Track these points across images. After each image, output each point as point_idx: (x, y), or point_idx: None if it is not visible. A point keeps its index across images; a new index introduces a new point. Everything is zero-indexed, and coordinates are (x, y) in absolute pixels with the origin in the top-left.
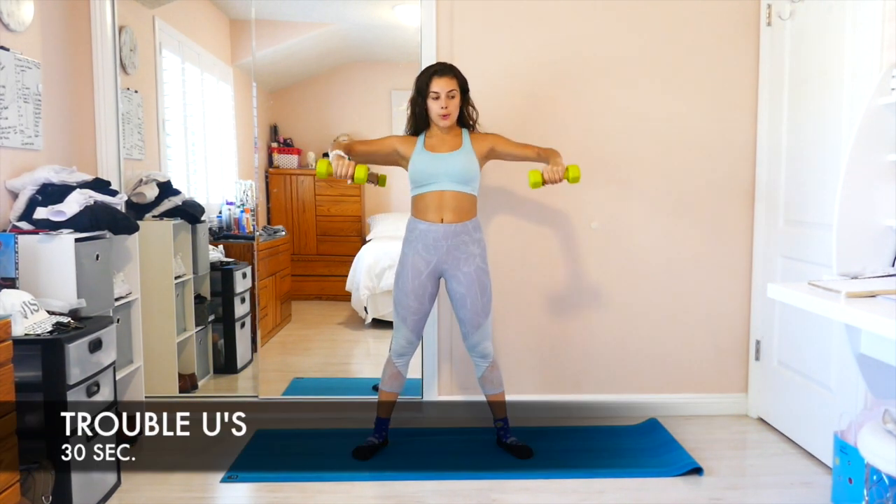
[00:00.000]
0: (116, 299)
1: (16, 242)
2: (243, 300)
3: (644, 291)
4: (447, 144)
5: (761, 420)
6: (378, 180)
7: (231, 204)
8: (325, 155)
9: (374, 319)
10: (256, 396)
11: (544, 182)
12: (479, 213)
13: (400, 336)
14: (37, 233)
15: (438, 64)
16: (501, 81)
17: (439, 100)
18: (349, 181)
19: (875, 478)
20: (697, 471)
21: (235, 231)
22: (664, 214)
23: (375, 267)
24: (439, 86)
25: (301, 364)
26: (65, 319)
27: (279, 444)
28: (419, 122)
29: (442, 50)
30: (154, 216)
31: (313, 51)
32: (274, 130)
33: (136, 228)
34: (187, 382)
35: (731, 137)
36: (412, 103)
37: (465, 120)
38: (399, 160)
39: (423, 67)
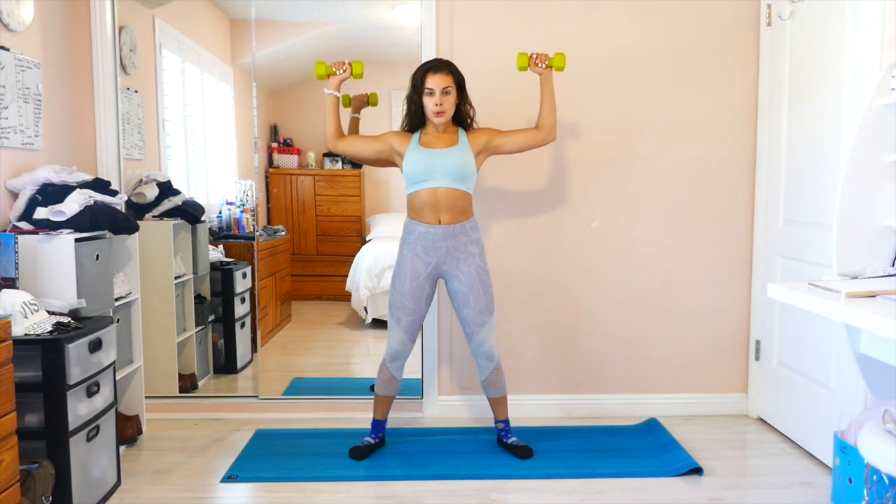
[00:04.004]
0: (116, 299)
1: (16, 242)
2: (243, 300)
3: (644, 291)
4: (443, 141)
5: (761, 420)
6: (369, 98)
7: (231, 204)
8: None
9: (374, 319)
10: (256, 396)
11: (530, 62)
12: (479, 213)
13: (393, 338)
14: (37, 233)
15: (434, 60)
16: (501, 81)
17: (434, 96)
18: (345, 69)
19: (875, 478)
20: (697, 471)
21: (235, 231)
22: (664, 214)
23: (375, 267)
24: (434, 82)
25: (301, 364)
26: (65, 319)
27: (279, 444)
28: (415, 119)
29: (442, 50)
30: (154, 216)
31: (313, 51)
32: (274, 130)
33: (136, 228)
34: (187, 382)
35: (731, 137)
36: (408, 100)
37: (462, 118)
38: (394, 156)
39: None
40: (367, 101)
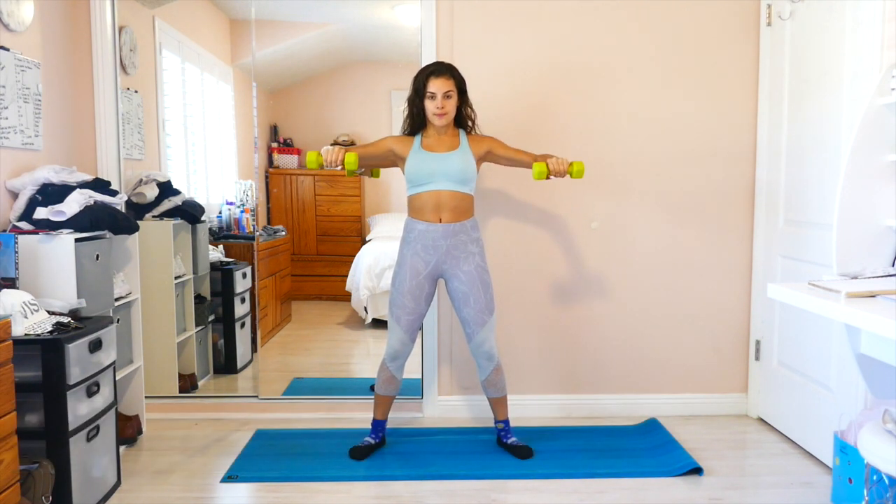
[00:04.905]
0: (116, 299)
1: (16, 242)
2: (243, 300)
3: (644, 291)
4: (444, 144)
5: (761, 420)
6: (372, 172)
7: (231, 204)
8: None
9: (374, 319)
10: (256, 396)
11: (549, 173)
12: (479, 214)
13: (394, 338)
14: (37, 233)
15: (435, 63)
16: (501, 81)
17: (435, 99)
18: (339, 167)
19: (875, 478)
20: (697, 471)
21: (235, 231)
22: (664, 214)
23: (375, 267)
24: (436, 86)
25: (301, 364)
26: (65, 319)
27: (279, 444)
28: (416, 121)
29: (442, 50)
30: (154, 216)
31: (313, 51)
32: (274, 130)
33: (136, 228)
34: (187, 382)
35: (731, 137)
36: (409, 103)
37: (463, 121)
38: (395, 160)
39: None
40: (370, 172)
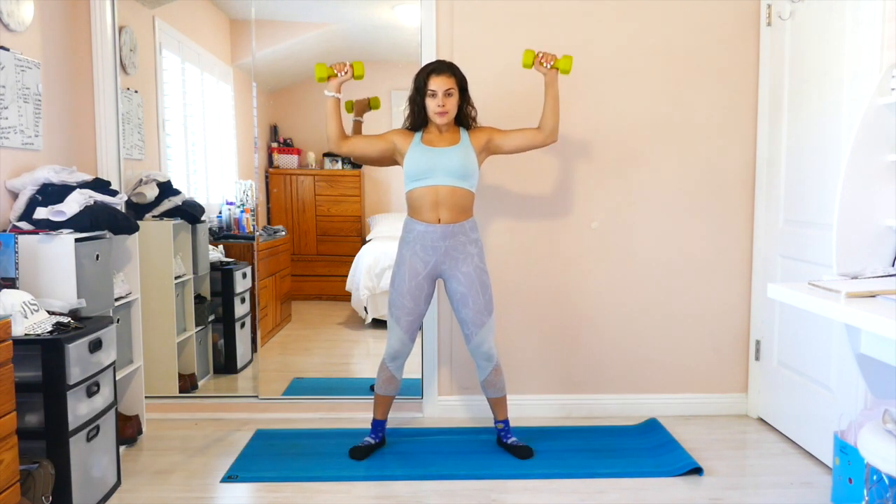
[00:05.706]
0: (116, 299)
1: (16, 242)
2: (243, 300)
3: (644, 291)
4: (445, 140)
5: (761, 420)
6: (371, 102)
7: (231, 204)
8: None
9: (374, 319)
10: (256, 396)
11: (535, 60)
12: (479, 212)
13: (393, 338)
14: (37, 233)
15: (436, 62)
16: (501, 81)
17: (436, 97)
18: (347, 72)
19: (875, 478)
20: (697, 471)
21: (235, 231)
22: (664, 214)
23: (375, 267)
24: (436, 84)
25: (301, 364)
26: (65, 319)
27: (279, 444)
28: (417, 119)
29: (442, 50)
30: (154, 216)
31: (313, 51)
32: (274, 130)
33: (136, 228)
34: (187, 382)
35: (731, 137)
36: (410, 102)
37: (464, 119)
38: (395, 155)
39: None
40: (369, 105)
